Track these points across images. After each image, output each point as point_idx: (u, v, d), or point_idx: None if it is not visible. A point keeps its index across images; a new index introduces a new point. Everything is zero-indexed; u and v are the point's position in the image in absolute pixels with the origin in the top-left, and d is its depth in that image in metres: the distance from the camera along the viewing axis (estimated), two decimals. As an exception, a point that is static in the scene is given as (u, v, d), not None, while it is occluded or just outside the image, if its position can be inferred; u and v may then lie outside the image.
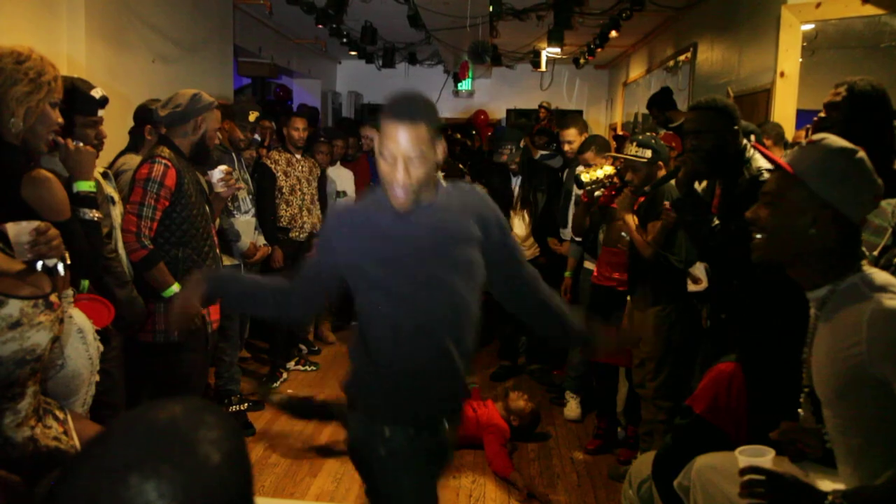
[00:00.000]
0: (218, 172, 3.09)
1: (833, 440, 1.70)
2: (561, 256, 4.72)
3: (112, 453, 0.76)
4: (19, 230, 1.69)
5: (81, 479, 0.75)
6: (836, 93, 2.52)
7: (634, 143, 3.41)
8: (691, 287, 3.10)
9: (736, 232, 2.57)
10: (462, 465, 3.77)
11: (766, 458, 1.64)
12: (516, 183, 4.88)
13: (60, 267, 1.73)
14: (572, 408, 4.47)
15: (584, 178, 3.71)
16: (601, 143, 4.34)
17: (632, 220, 3.32)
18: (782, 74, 4.35)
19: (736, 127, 2.64)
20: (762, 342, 2.22)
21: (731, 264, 2.61)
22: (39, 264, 1.66)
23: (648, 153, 3.34)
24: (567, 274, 4.55)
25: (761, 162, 2.60)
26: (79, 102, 2.59)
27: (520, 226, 4.91)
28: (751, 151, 2.65)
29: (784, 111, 4.25)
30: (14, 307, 1.50)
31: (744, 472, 1.60)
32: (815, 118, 2.63)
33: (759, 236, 1.75)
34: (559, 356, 4.76)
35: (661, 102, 5.66)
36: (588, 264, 4.37)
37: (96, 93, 2.65)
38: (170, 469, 0.74)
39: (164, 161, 2.88)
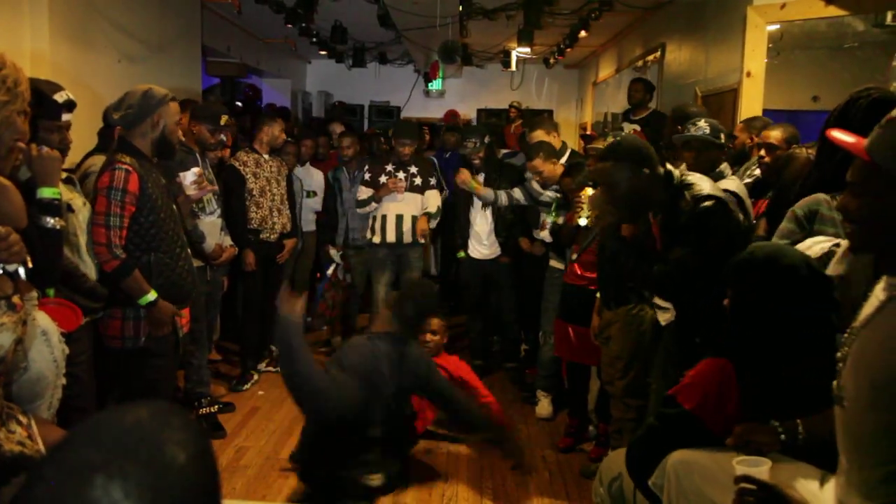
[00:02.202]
0: (191, 175, 3.05)
1: (841, 442, 1.65)
2: (527, 255, 4.75)
3: (77, 455, 0.75)
4: None
5: (47, 480, 0.74)
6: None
7: (602, 139, 3.46)
8: (662, 317, 3.11)
9: (675, 269, 2.62)
10: (435, 464, 3.77)
11: (762, 468, 1.66)
12: (480, 178, 4.91)
13: (21, 272, 1.69)
14: (544, 406, 4.50)
15: (583, 221, 3.73)
16: (548, 149, 4.41)
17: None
18: (749, 74, 4.42)
19: (646, 168, 2.67)
20: (757, 346, 2.22)
21: (681, 295, 2.67)
22: (1, 268, 1.62)
23: None
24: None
25: (702, 186, 2.64)
26: (43, 107, 2.52)
27: (480, 223, 4.94)
28: (686, 177, 2.69)
29: (751, 110, 4.31)
30: None
31: (739, 480, 1.62)
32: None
33: (850, 228, 1.67)
34: (532, 356, 4.79)
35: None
36: (554, 263, 4.42)
37: (60, 97, 2.58)
38: (136, 469, 0.74)
39: (124, 167, 2.81)
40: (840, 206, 1.68)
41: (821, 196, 2.44)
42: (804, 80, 5.39)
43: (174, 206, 3.07)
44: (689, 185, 2.67)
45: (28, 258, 1.73)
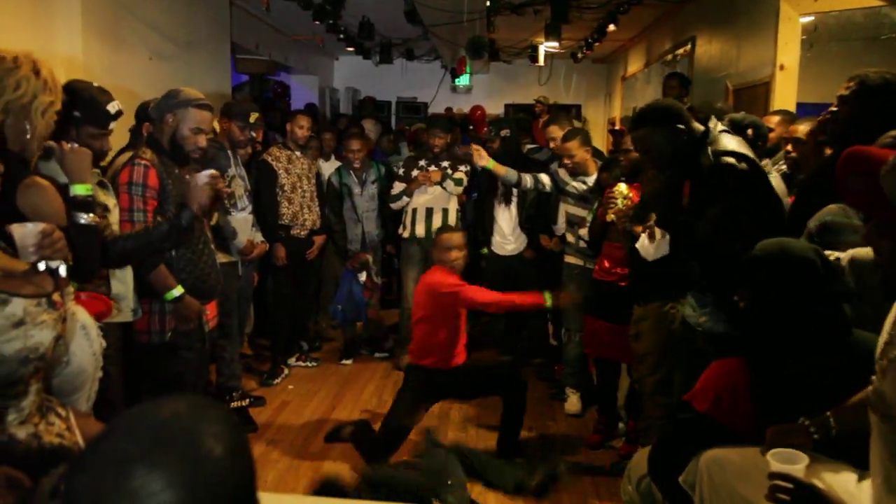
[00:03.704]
0: (203, 177, 3.05)
1: (879, 452, 1.61)
2: (549, 252, 4.73)
3: (117, 447, 0.77)
4: (25, 232, 1.69)
5: (87, 472, 0.76)
6: (846, 86, 2.49)
7: None
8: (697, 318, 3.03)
9: (709, 228, 2.57)
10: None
11: (798, 465, 1.64)
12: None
13: (63, 269, 1.72)
14: (573, 403, 4.48)
15: (613, 216, 3.68)
16: (585, 137, 4.37)
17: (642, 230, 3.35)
18: (782, 67, 4.35)
19: (679, 124, 2.63)
20: (773, 343, 2.20)
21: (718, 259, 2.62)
22: (42, 265, 1.66)
23: None
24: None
25: (722, 143, 2.59)
26: (94, 114, 2.57)
27: (505, 217, 4.92)
28: (715, 132, 2.64)
29: (784, 104, 4.24)
30: (17, 306, 1.50)
31: (773, 476, 1.60)
32: (826, 112, 2.60)
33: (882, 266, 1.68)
34: (560, 351, 4.77)
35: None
36: (569, 259, 4.40)
37: (112, 107, 2.62)
38: (174, 461, 0.75)
39: (143, 162, 2.84)
40: (871, 244, 1.66)
41: (832, 207, 2.39)
42: (840, 73, 5.25)
43: None
44: (714, 141, 2.62)
45: (69, 255, 1.76)
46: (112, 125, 2.68)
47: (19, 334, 1.49)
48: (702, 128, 2.67)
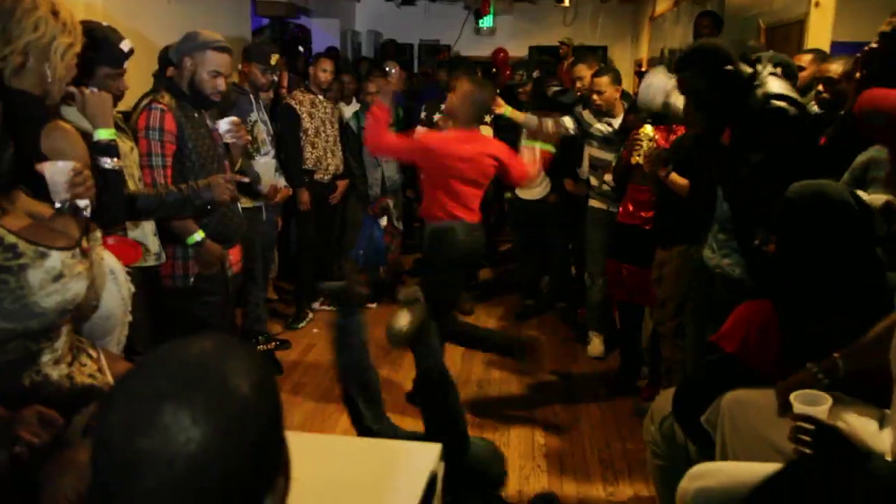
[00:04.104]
0: (224, 124, 3.02)
1: None
2: (573, 196, 4.68)
3: (146, 384, 0.78)
4: (56, 169, 1.70)
5: (117, 409, 0.77)
6: (889, 21, 2.39)
7: None
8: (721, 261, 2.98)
9: (754, 173, 2.51)
10: (487, 398, 3.83)
11: (821, 407, 1.64)
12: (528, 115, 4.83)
13: (88, 209, 1.74)
14: (596, 345, 4.50)
15: (639, 157, 3.60)
16: (616, 75, 4.28)
17: (675, 178, 3.29)
18: (817, 4, 4.20)
19: (727, 66, 2.55)
20: (802, 291, 2.17)
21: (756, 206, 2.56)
22: (67, 204, 1.67)
23: None
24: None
25: (771, 86, 2.52)
26: (108, 54, 2.54)
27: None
28: (761, 77, 2.56)
29: (818, 43, 4.10)
30: (56, 259, 1.52)
31: (796, 418, 1.60)
32: (865, 48, 2.50)
33: None
34: (583, 295, 4.77)
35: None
36: (593, 202, 4.36)
37: (125, 45, 2.60)
38: (202, 398, 0.76)
39: (159, 106, 2.83)
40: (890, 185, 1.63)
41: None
42: (879, 10, 5.08)
43: (218, 148, 3.08)
44: (762, 84, 2.56)
45: (94, 195, 1.78)
46: (126, 64, 2.66)
47: (58, 287, 1.52)
48: (749, 70, 2.59)
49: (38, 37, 1.83)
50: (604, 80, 4.15)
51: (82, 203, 1.71)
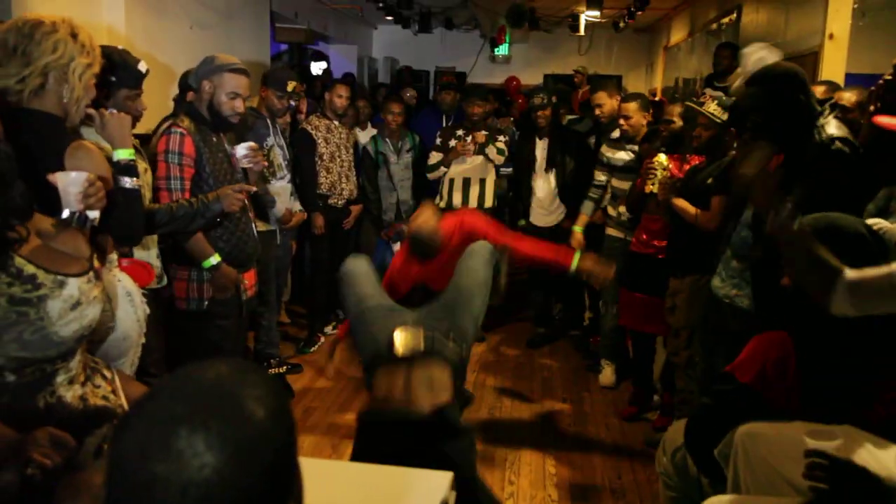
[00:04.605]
0: (241, 149, 3.06)
1: None
2: (590, 223, 4.67)
3: (161, 408, 0.79)
4: (70, 180, 1.71)
5: (132, 432, 0.77)
6: None
7: (715, 102, 3.34)
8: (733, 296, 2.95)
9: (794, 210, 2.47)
10: (498, 426, 3.81)
11: (834, 442, 1.62)
12: (542, 146, 4.86)
13: (96, 220, 1.75)
14: (607, 375, 4.47)
15: (653, 186, 3.60)
16: (644, 102, 4.28)
17: (681, 202, 3.29)
18: (831, 37, 4.22)
19: (802, 95, 2.54)
20: (815, 316, 2.16)
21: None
22: (77, 216, 1.67)
23: (725, 116, 3.28)
24: (577, 229, 4.52)
25: (832, 129, 2.50)
26: (127, 76, 2.59)
27: (543, 188, 4.89)
28: (825, 117, 2.54)
29: (832, 75, 4.12)
30: (73, 287, 1.53)
31: (809, 454, 1.59)
32: (880, 80, 2.49)
33: None
34: (596, 323, 4.75)
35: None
36: (611, 231, 4.35)
37: (142, 66, 2.65)
38: (217, 423, 0.77)
39: (179, 130, 2.87)
40: None
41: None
42: (893, 42, 5.11)
43: (236, 172, 3.11)
44: (827, 123, 2.52)
45: (103, 209, 1.79)
46: (143, 84, 2.70)
47: (76, 315, 1.53)
48: (818, 108, 2.57)
49: (57, 58, 1.87)
50: (632, 106, 4.16)
51: (92, 215, 1.72)
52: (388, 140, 5.29)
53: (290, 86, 4.21)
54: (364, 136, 5.52)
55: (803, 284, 1.78)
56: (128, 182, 2.21)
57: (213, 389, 0.81)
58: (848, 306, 1.73)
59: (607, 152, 4.38)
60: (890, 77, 2.39)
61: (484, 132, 4.99)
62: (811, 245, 1.79)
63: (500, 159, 5.04)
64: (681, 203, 3.30)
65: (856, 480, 1.53)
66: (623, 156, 4.27)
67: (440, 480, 1.73)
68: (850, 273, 1.71)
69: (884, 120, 1.68)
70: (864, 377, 1.95)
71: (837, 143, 2.47)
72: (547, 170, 4.86)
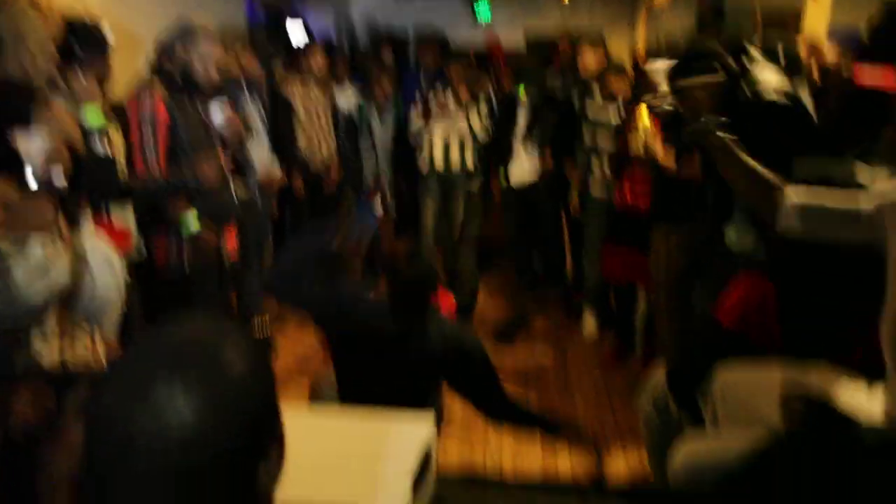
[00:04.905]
0: (217, 113, 3.04)
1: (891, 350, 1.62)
2: (568, 182, 4.64)
3: (139, 363, 0.78)
4: (32, 142, 1.71)
5: (110, 388, 0.77)
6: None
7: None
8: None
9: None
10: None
11: (810, 384, 1.66)
12: (524, 111, 4.78)
13: (61, 181, 1.75)
14: (590, 325, 4.52)
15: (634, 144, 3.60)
16: (618, 66, 4.28)
17: (661, 153, 3.30)
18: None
19: (715, 67, 2.50)
20: (797, 261, 2.17)
21: None
22: (43, 177, 1.67)
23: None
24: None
25: (765, 77, 2.47)
26: (94, 42, 2.56)
27: (523, 147, 4.82)
28: (752, 65, 2.51)
29: (815, 32, 4.07)
30: (37, 251, 1.52)
31: (785, 392, 1.62)
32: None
33: None
34: (578, 278, 4.78)
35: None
36: (596, 193, 4.33)
37: (104, 26, 2.63)
38: (195, 376, 0.76)
39: (151, 95, 2.85)
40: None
41: None
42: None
43: (211, 136, 3.08)
44: (751, 75, 2.50)
45: (69, 167, 1.78)
46: (110, 43, 2.67)
47: (46, 282, 1.53)
48: (735, 67, 2.54)
49: (15, 25, 1.85)
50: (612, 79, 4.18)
51: (56, 176, 1.71)
52: (374, 103, 5.24)
53: (266, 49, 4.15)
54: (343, 95, 5.43)
55: (746, 198, 1.77)
56: (98, 146, 2.19)
57: (191, 343, 0.81)
58: (797, 227, 1.73)
59: (591, 113, 4.37)
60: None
61: (468, 91, 4.92)
62: (741, 155, 1.78)
63: (479, 128, 4.96)
64: (660, 152, 3.30)
65: (830, 416, 1.56)
66: (607, 116, 4.26)
67: (423, 423, 1.75)
68: (794, 196, 1.71)
69: (866, 75, 1.67)
70: (841, 322, 1.98)
71: (766, 96, 2.42)
72: (529, 131, 4.81)
